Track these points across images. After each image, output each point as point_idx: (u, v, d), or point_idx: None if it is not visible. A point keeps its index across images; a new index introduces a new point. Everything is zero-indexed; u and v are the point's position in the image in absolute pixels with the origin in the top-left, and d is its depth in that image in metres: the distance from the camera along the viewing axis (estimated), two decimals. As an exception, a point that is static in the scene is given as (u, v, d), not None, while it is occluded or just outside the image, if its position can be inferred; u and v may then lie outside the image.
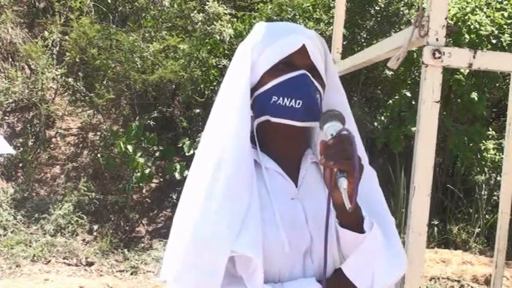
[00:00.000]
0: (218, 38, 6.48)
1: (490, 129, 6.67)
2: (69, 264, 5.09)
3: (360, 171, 1.06)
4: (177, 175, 5.95)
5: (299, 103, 1.16)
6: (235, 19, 6.76)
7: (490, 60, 1.43)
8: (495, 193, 6.31)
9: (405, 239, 1.41)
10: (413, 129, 5.77)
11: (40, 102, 6.33)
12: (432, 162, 1.39)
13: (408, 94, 6.29)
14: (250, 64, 1.20)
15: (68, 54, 6.34)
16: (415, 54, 5.78)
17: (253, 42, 1.22)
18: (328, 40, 2.04)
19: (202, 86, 6.56)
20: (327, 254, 1.11)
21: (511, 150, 2.17)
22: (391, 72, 6.40)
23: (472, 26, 5.84)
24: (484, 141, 6.34)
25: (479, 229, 6.22)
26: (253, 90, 1.21)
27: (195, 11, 6.63)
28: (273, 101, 1.18)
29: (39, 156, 6.28)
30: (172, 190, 6.31)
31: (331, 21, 6.08)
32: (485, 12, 6.04)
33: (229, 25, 6.54)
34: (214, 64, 6.50)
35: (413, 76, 6.51)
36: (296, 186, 1.21)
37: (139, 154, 5.89)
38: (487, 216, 6.33)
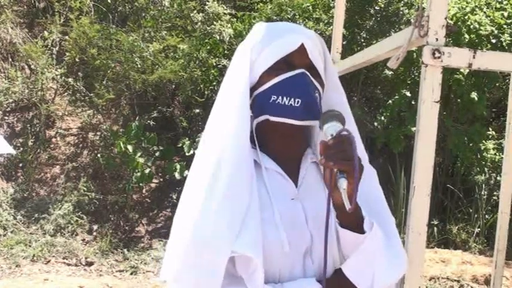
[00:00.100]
0: (218, 38, 6.48)
1: (490, 129, 6.67)
2: (68, 264, 5.09)
3: (360, 171, 1.06)
4: (177, 175, 5.95)
5: (298, 102, 1.16)
6: (235, 19, 6.76)
7: (489, 60, 1.43)
8: (495, 193, 6.31)
9: (405, 238, 1.41)
10: (413, 129, 5.77)
11: (40, 102, 6.33)
12: (432, 162, 1.39)
13: (408, 94, 6.29)
14: (249, 64, 1.20)
15: (67, 54, 6.34)
16: (414, 54, 5.77)
17: (253, 42, 1.22)
18: (328, 40, 2.04)
19: (202, 86, 6.56)
20: (327, 254, 1.11)
21: (511, 150, 2.17)
22: (391, 72, 6.39)
23: (471, 26, 5.84)
24: (484, 141, 6.33)
25: (479, 229, 6.22)
26: (252, 89, 1.21)
27: (195, 11, 6.64)
28: (272, 100, 1.18)
29: (39, 156, 6.27)
30: (172, 190, 6.31)
31: (330, 21, 6.08)
32: (485, 12, 6.04)
33: (229, 25, 6.54)
34: (214, 64, 6.50)
35: (413, 76, 6.51)
36: (296, 186, 1.21)
37: (139, 154, 5.90)
38: (486, 216, 6.33)
